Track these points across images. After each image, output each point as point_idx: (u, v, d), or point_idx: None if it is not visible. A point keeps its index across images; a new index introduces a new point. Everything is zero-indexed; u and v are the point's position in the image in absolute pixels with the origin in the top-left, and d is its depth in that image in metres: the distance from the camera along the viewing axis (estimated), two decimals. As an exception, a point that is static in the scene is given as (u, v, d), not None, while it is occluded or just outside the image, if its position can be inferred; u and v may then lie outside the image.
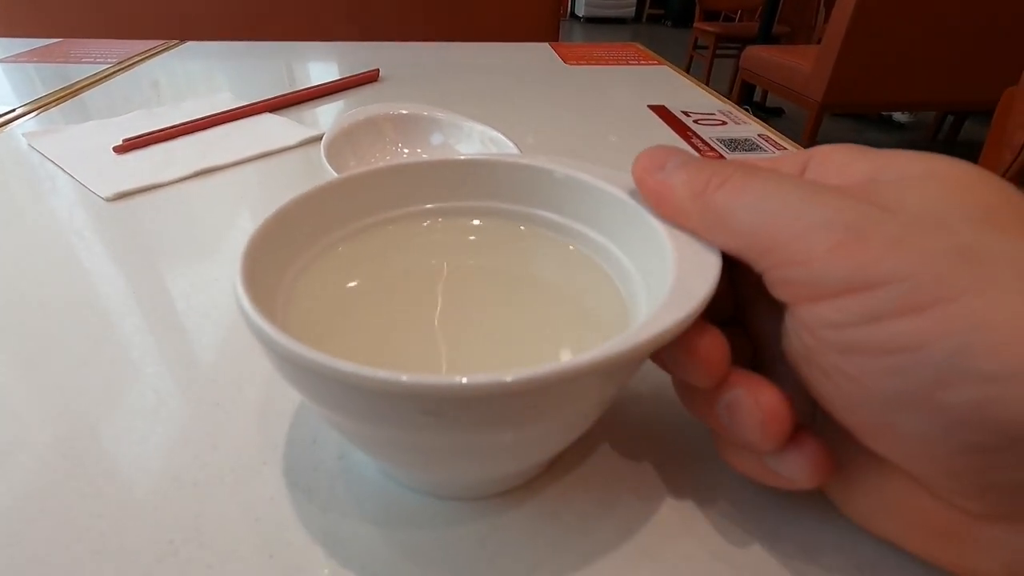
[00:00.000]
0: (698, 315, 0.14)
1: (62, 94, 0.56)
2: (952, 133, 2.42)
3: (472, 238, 0.21)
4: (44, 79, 0.61)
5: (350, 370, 0.12)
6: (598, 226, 0.20)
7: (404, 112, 0.36)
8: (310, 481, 0.18)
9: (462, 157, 0.21)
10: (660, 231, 0.16)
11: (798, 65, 2.01)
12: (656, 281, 0.16)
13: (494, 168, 0.21)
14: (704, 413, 0.16)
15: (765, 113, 2.68)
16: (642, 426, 0.20)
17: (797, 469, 0.14)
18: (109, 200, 0.36)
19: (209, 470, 0.19)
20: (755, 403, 0.14)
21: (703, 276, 0.15)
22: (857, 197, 0.13)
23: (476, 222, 0.22)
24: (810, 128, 1.96)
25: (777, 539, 0.17)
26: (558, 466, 0.19)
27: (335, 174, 0.29)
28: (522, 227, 0.21)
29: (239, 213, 0.36)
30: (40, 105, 0.53)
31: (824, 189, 0.14)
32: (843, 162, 0.15)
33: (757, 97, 2.76)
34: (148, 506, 0.18)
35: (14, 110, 0.51)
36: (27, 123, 0.49)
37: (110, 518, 0.17)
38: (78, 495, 0.18)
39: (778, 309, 0.14)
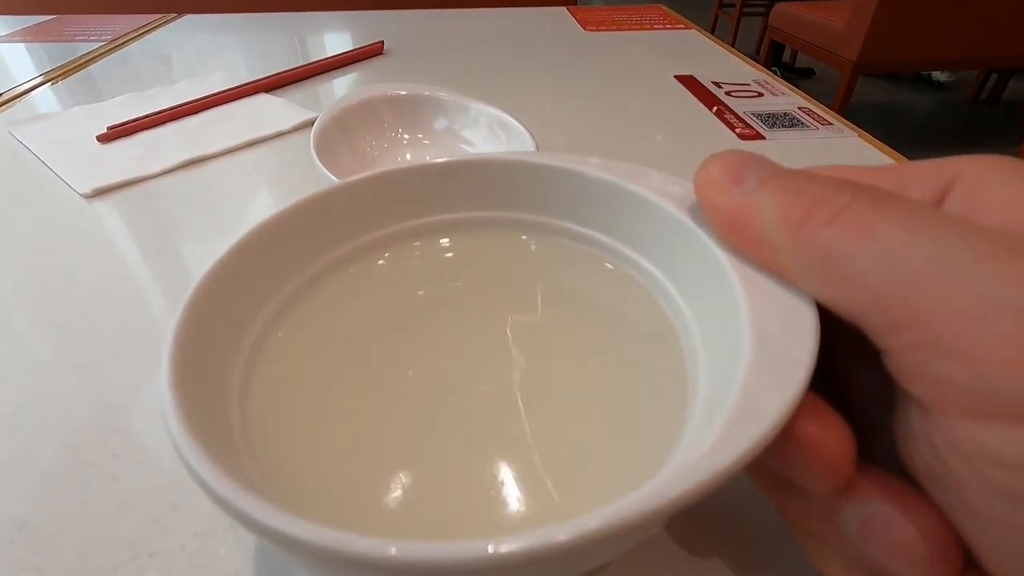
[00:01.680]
0: (804, 393, 0.10)
1: (57, 73, 0.53)
2: (995, 93, 2.28)
3: (451, 258, 0.18)
4: (38, 58, 0.58)
5: (375, 554, 0.08)
6: (628, 239, 0.16)
7: (403, 93, 0.32)
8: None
9: (428, 162, 0.17)
10: (727, 266, 0.12)
11: (831, 22, 1.89)
12: (721, 340, 0.12)
13: (476, 170, 0.17)
14: (809, 522, 0.12)
15: (795, 75, 2.54)
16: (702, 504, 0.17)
17: None
18: (88, 197, 0.33)
19: (168, 536, 0.16)
20: (914, 529, 0.10)
21: (797, 336, 0.11)
22: None
23: (445, 241, 0.18)
24: (843, 90, 1.85)
25: None
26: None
27: (325, 171, 0.26)
28: (524, 237, 0.18)
29: (228, 209, 0.33)
30: (35, 85, 0.50)
31: (1007, 243, 0.09)
32: (1010, 192, 0.11)
33: (786, 57, 2.62)
34: None
35: (2, 94, 0.49)
36: (17, 109, 0.46)
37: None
38: (15, 568, 0.15)
39: (893, 388, 0.10)
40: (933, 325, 0.09)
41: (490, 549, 0.08)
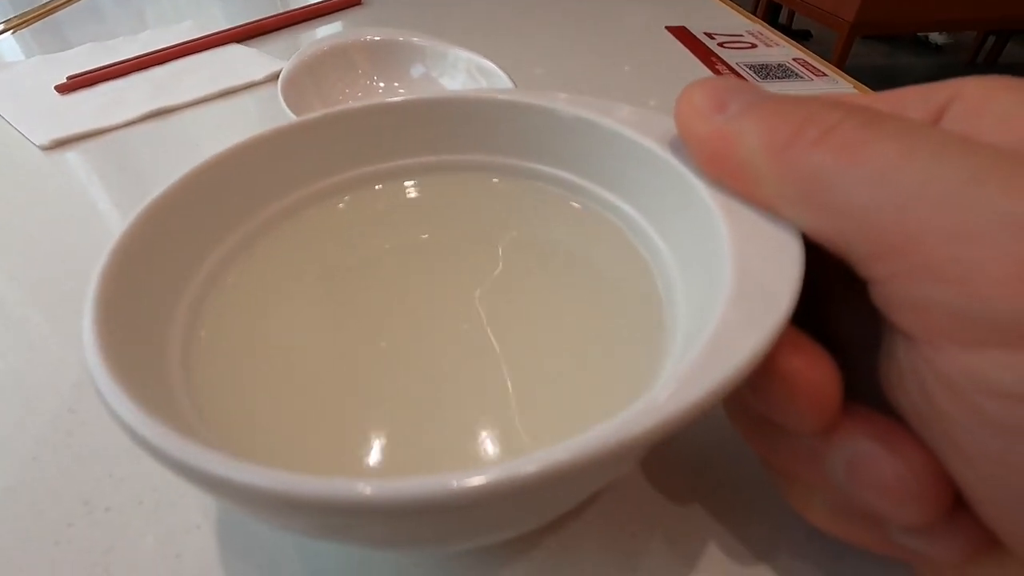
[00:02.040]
0: (784, 328, 0.09)
1: (34, 15, 0.50)
2: (993, 55, 2.24)
3: (417, 201, 0.16)
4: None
5: (301, 490, 0.07)
6: (605, 180, 0.15)
7: (377, 39, 0.30)
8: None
9: (395, 100, 0.15)
10: (708, 200, 0.11)
11: (830, -20, 1.84)
12: (701, 275, 0.12)
13: (443, 109, 0.16)
14: (794, 466, 0.11)
15: (791, 36, 2.49)
16: (680, 450, 0.17)
17: (948, 551, 0.10)
18: (45, 148, 0.31)
19: (125, 490, 0.15)
20: (903, 467, 0.09)
21: (779, 270, 0.10)
22: None
23: (409, 183, 0.16)
24: (839, 51, 1.82)
25: None
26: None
27: (293, 117, 0.25)
28: (496, 180, 0.16)
29: (197, 161, 0.31)
30: (11, 27, 0.47)
31: (1009, 158, 0.08)
32: (1007, 111, 0.10)
33: (783, 19, 2.56)
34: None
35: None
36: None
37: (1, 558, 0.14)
38: (-30, 523, 0.15)
39: (879, 323, 0.10)
40: (924, 247, 0.08)
41: (454, 484, 0.07)
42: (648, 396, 0.08)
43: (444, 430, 0.12)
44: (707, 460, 0.16)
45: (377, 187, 0.16)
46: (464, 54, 0.29)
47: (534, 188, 0.16)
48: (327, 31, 0.49)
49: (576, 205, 0.16)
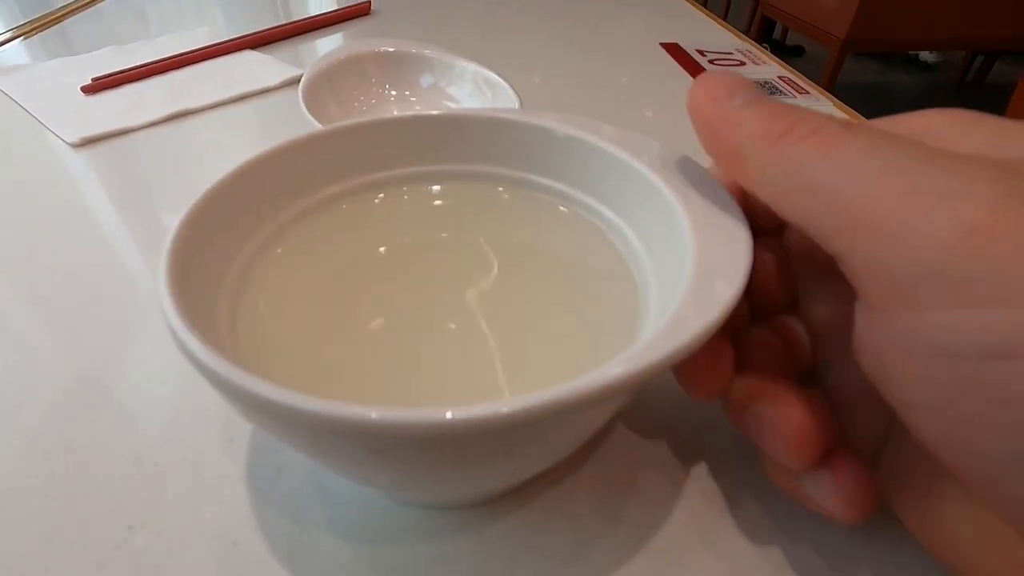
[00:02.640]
0: (723, 322, 0.11)
1: (42, 22, 0.52)
2: (981, 74, 2.30)
3: (439, 205, 0.19)
4: (23, 6, 0.57)
5: (326, 412, 0.09)
6: (590, 189, 0.18)
7: (390, 50, 0.32)
8: (279, 460, 0.17)
9: (420, 114, 0.18)
10: (672, 200, 0.14)
11: (823, -1, 1.89)
12: (669, 265, 0.14)
13: (457, 125, 0.18)
14: (735, 421, 0.14)
15: (784, 52, 2.54)
16: (657, 417, 0.19)
17: (828, 497, 0.13)
18: (76, 146, 0.33)
19: (172, 449, 0.17)
20: (781, 419, 0.12)
21: (730, 268, 0.12)
22: (1005, 168, 0.09)
23: (435, 188, 0.19)
24: (831, 68, 1.86)
25: (814, 554, 0.15)
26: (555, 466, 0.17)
27: (314, 121, 0.27)
28: (501, 190, 0.19)
29: (216, 162, 0.33)
30: (21, 33, 0.49)
31: (956, 154, 0.10)
32: (959, 133, 0.12)
33: (776, 35, 2.61)
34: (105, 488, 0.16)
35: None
36: (3, 53, 0.46)
37: (65, 501, 0.16)
38: (30, 476, 0.17)
39: (847, 302, 0.12)
40: (879, 218, 0.10)
41: (448, 415, 0.09)
42: (622, 355, 0.10)
43: (441, 383, 0.15)
44: (678, 426, 0.18)
45: (404, 188, 0.19)
46: (471, 66, 0.31)
47: (532, 197, 0.19)
48: (337, 40, 0.51)
49: (564, 209, 0.19)
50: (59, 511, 0.16)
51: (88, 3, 0.58)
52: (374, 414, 0.09)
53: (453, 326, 0.16)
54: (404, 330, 0.16)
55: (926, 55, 2.55)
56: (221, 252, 0.15)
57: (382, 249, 0.18)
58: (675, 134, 0.15)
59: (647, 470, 0.17)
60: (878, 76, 2.43)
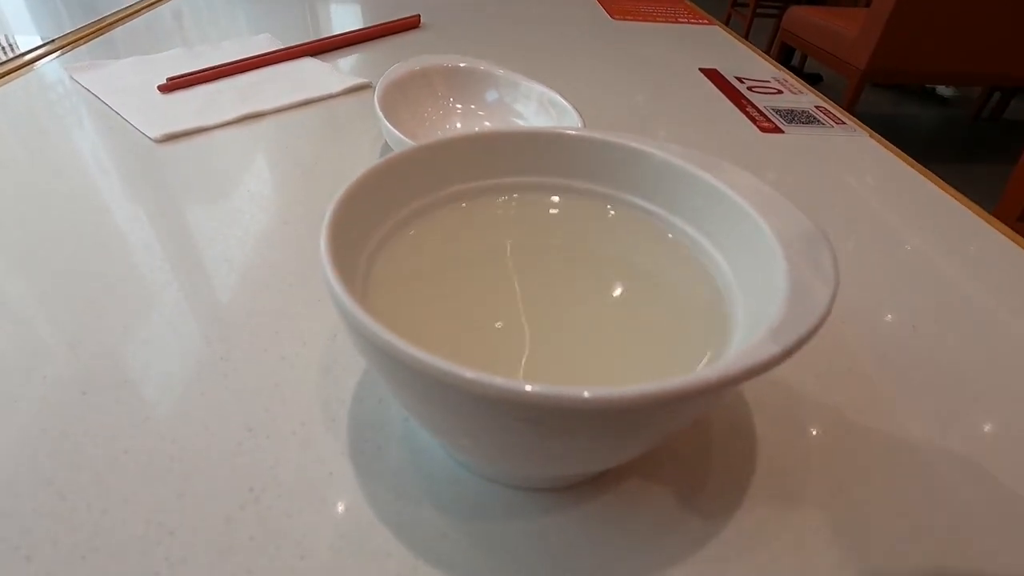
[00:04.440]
0: (809, 340, 0.13)
1: (91, 30, 0.55)
2: (997, 111, 2.32)
3: (554, 212, 0.21)
4: (72, 14, 0.59)
5: (445, 369, 0.11)
6: (693, 219, 0.19)
7: (461, 66, 0.34)
8: (378, 438, 0.19)
9: (545, 129, 0.20)
10: (768, 233, 0.16)
11: (843, 29, 1.92)
12: (758, 286, 0.15)
13: (580, 144, 0.20)
14: None
15: (802, 79, 2.57)
16: (729, 430, 0.20)
17: None
18: (158, 141, 0.35)
19: (279, 422, 0.19)
20: None
21: (821, 279, 0.14)
22: None
23: (555, 198, 0.21)
24: (850, 97, 1.88)
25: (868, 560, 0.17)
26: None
27: (390, 127, 0.29)
28: (609, 207, 0.21)
29: (287, 163, 0.35)
30: (69, 42, 0.52)
31: None
32: None
33: (795, 62, 2.64)
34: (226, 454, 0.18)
35: (43, 45, 0.50)
36: (54, 61, 0.48)
37: (187, 463, 0.18)
38: (157, 438, 0.18)
39: None
40: None
41: (611, 393, 0.11)
42: (745, 349, 0.12)
43: (542, 366, 0.17)
44: (747, 439, 0.19)
45: (517, 195, 0.21)
46: (536, 87, 0.33)
47: (633, 217, 0.21)
48: (390, 52, 0.54)
49: (671, 236, 0.20)
50: (184, 471, 0.17)
51: (133, 13, 0.61)
52: (529, 387, 0.11)
53: (554, 319, 0.18)
54: (511, 316, 0.18)
55: (943, 89, 2.57)
56: (365, 224, 0.17)
57: (498, 244, 0.20)
58: (720, 153, 0.18)
59: (716, 474, 0.19)
60: (893, 107, 2.45)
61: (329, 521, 0.17)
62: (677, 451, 0.19)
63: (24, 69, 0.45)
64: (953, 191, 0.36)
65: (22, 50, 0.48)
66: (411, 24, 0.59)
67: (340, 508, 0.17)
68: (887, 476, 0.19)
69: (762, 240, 0.16)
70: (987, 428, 0.21)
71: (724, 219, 0.18)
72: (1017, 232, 0.32)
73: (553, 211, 0.21)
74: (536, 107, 0.33)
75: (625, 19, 0.67)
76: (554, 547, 0.16)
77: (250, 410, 0.19)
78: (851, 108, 1.89)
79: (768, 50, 2.57)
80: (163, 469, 0.17)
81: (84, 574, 0.15)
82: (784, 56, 2.50)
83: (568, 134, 0.20)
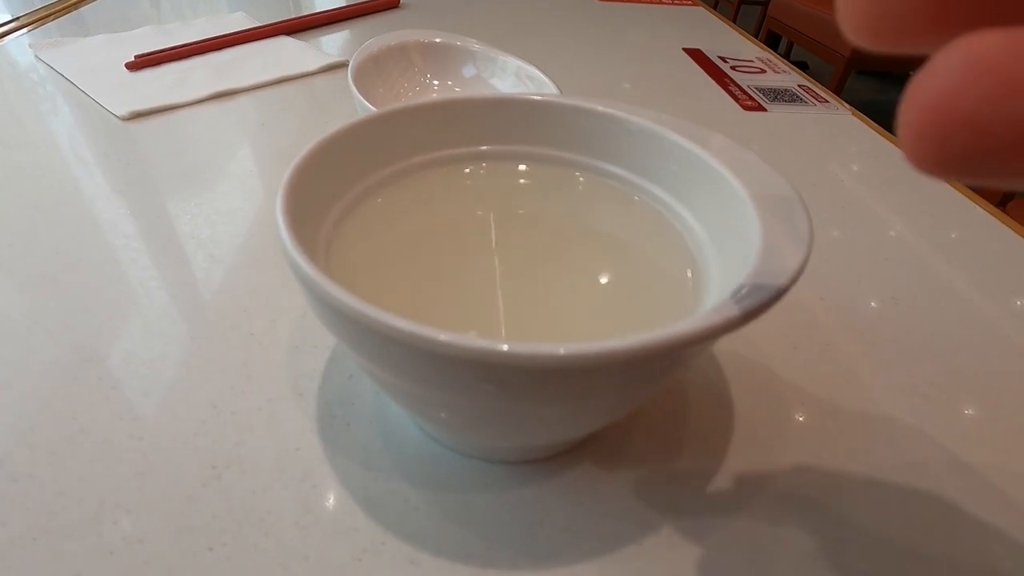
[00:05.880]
0: (781, 297, 0.12)
1: (61, 7, 0.53)
2: (980, 98, 2.34)
3: (523, 182, 0.20)
4: None
5: (415, 332, 0.11)
6: (666, 184, 0.19)
7: (437, 41, 0.34)
8: (348, 414, 0.18)
9: (512, 95, 0.19)
10: (740, 190, 0.15)
11: (829, 15, 1.92)
12: (732, 248, 0.15)
13: (548, 110, 0.19)
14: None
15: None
16: (705, 394, 0.20)
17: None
18: (125, 119, 0.34)
19: (246, 399, 0.18)
20: None
21: (794, 239, 0.13)
22: None
23: (523, 167, 0.20)
24: (835, 84, 1.89)
25: (850, 533, 0.17)
26: (607, 429, 0.19)
27: (363, 101, 0.28)
28: (578, 174, 0.20)
29: (262, 140, 0.34)
30: (37, 18, 0.50)
31: None
32: None
33: (781, 49, 2.65)
34: (188, 432, 0.17)
35: (10, 21, 0.48)
36: (22, 37, 0.46)
37: (148, 441, 0.17)
38: (116, 418, 0.18)
39: None
40: None
41: (561, 351, 0.10)
42: (709, 308, 0.12)
43: (512, 325, 0.16)
44: (723, 404, 0.19)
45: (485, 164, 0.20)
46: (513, 60, 0.32)
47: (603, 184, 0.20)
48: (368, 31, 0.52)
49: (642, 201, 0.20)
50: (144, 450, 0.17)
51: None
52: (504, 347, 0.10)
53: (524, 282, 0.17)
54: (481, 284, 0.17)
55: (927, 76, 2.58)
56: (326, 193, 0.16)
57: (467, 213, 0.19)
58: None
59: (690, 440, 0.18)
60: (878, 94, 2.47)
61: (295, 497, 0.16)
62: (653, 422, 0.19)
63: (-14, 47, 0.43)
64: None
65: (-15, 28, 0.47)
66: (391, 3, 0.57)
67: (307, 484, 0.16)
68: (862, 446, 0.19)
69: (736, 201, 0.15)
70: (961, 401, 0.21)
71: (698, 182, 0.17)
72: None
73: (522, 180, 0.20)
74: (514, 80, 0.32)
75: (611, 0, 0.66)
76: (528, 518, 0.16)
77: (215, 387, 0.19)
78: (836, 94, 1.89)
79: (755, 37, 2.58)
80: (122, 448, 0.17)
81: (35, 555, 0.14)
82: (771, 44, 2.50)
83: (536, 100, 0.19)
